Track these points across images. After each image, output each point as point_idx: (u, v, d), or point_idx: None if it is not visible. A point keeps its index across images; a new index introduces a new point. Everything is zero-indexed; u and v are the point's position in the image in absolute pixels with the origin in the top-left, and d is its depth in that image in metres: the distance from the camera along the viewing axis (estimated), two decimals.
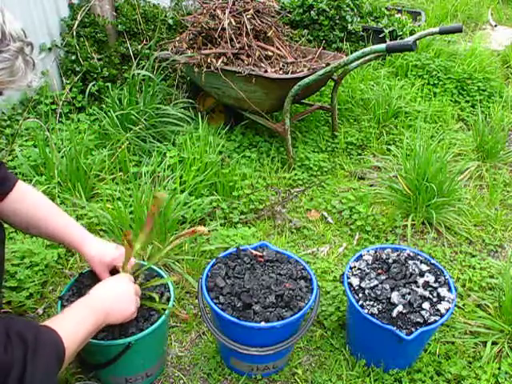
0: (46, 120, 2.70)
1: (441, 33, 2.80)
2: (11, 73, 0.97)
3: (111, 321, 1.24)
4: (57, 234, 1.40)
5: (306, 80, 2.49)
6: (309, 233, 2.31)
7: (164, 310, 1.43)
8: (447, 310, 1.50)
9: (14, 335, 0.98)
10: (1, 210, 1.35)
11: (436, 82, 3.77)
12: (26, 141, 2.61)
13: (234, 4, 2.83)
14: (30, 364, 0.96)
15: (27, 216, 1.37)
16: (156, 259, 1.53)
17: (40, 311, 1.77)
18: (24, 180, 2.30)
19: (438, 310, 1.51)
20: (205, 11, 2.88)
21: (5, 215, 1.36)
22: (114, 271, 1.43)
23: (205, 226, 2.20)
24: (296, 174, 2.71)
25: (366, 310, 1.51)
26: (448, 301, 1.53)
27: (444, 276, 1.63)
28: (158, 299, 1.43)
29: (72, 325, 1.12)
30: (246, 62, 2.71)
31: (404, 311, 1.49)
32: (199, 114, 2.86)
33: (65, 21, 3.10)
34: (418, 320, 1.47)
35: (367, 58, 2.71)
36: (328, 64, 2.59)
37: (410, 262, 1.66)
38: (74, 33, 3.03)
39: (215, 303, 1.47)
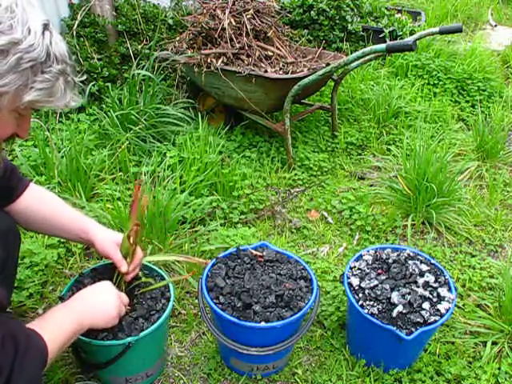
0: (46, 120, 2.70)
1: (441, 33, 2.80)
2: (50, 93, 0.97)
3: (92, 324, 1.27)
4: (71, 225, 1.44)
5: (306, 80, 2.49)
6: (309, 233, 2.31)
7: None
8: (447, 310, 1.50)
9: (7, 336, 1.03)
10: (14, 212, 1.38)
11: (436, 82, 3.77)
12: (26, 141, 2.60)
13: (234, 4, 2.83)
14: (16, 371, 1.01)
15: (44, 214, 1.41)
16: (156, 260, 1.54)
17: (40, 311, 1.77)
18: None
19: (437, 310, 1.51)
20: (205, 11, 2.88)
21: (17, 216, 1.39)
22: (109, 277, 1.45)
23: (204, 226, 2.20)
24: (296, 174, 2.71)
25: (366, 310, 1.51)
26: (448, 301, 1.53)
27: (444, 276, 1.63)
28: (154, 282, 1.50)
29: (56, 328, 1.16)
30: (245, 61, 2.71)
31: (404, 311, 1.49)
32: (199, 114, 2.86)
33: (65, 21, 3.10)
34: (418, 320, 1.47)
35: (367, 58, 2.71)
36: (328, 64, 2.59)
37: (410, 262, 1.66)
38: (74, 33, 3.03)
39: (215, 303, 1.47)
